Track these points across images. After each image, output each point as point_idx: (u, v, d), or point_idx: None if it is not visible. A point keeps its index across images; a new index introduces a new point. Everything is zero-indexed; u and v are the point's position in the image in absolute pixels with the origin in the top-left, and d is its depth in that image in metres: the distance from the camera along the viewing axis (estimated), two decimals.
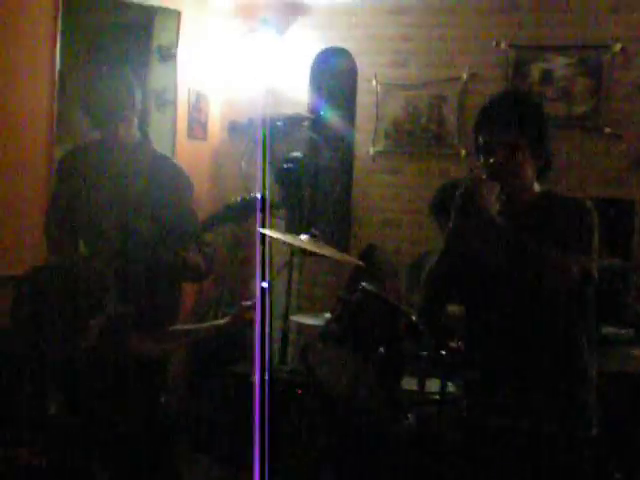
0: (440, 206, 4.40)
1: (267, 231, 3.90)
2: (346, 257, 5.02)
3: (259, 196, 3.75)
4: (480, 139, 2.93)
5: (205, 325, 3.79)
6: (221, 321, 3.71)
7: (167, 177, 3.79)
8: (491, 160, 2.86)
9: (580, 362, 2.90)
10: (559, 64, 5.78)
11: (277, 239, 4.03)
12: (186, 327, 3.81)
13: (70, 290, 3.02)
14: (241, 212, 3.73)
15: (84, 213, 3.71)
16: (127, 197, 3.67)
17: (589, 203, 2.90)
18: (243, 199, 3.76)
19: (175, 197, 3.76)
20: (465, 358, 3.17)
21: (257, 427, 3.51)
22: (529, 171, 2.90)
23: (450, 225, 2.88)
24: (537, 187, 2.96)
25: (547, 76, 5.79)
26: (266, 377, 3.70)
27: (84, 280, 3.10)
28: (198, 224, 3.82)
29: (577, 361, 2.89)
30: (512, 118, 2.87)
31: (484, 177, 2.82)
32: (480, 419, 2.97)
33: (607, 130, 5.66)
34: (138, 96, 3.81)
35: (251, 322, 3.57)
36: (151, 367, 3.59)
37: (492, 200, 2.79)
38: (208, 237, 3.91)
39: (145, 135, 4.01)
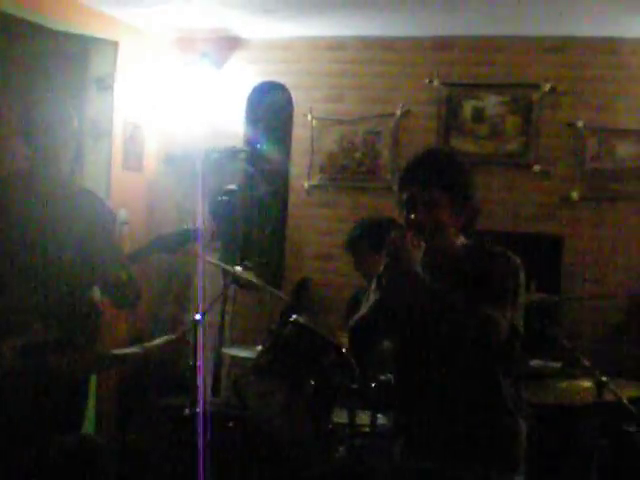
0: (350, 244, 4.46)
1: (210, 259, 3.92)
2: (275, 291, 5.05)
3: (191, 227, 3.77)
4: (403, 195, 2.96)
5: (132, 349, 3.76)
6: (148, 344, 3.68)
7: (90, 209, 3.77)
8: (412, 216, 2.89)
9: (505, 408, 2.92)
10: (491, 102, 5.90)
11: (211, 270, 4.06)
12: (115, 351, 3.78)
13: None
14: (171, 243, 3.74)
15: (4, 241, 3.66)
16: (50, 227, 3.64)
17: (515, 258, 2.92)
18: (176, 231, 3.77)
19: (98, 229, 3.74)
20: (393, 394, 3.18)
21: (201, 459, 3.51)
22: (451, 227, 2.93)
23: (381, 280, 2.90)
24: (462, 240, 2.98)
25: (479, 114, 5.90)
26: (199, 410, 3.71)
27: None
28: (122, 254, 3.80)
29: (502, 408, 2.92)
30: (433, 176, 2.90)
31: (409, 234, 2.84)
32: (407, 461, 2.98)
33: (536, 167, 5.79)
34: (74, 125, 3.80)
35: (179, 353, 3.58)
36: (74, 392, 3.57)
37: (417, 256, 2.82)
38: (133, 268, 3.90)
39: (74, 167, 3.99)
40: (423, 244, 2.83)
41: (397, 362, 3.08)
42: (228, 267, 4.27)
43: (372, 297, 3.00)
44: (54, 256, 3.58)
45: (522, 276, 2.91)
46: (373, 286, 3.02)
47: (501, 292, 2.83)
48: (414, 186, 2.92)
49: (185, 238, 3.74)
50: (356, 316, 3.02)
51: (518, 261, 2.91)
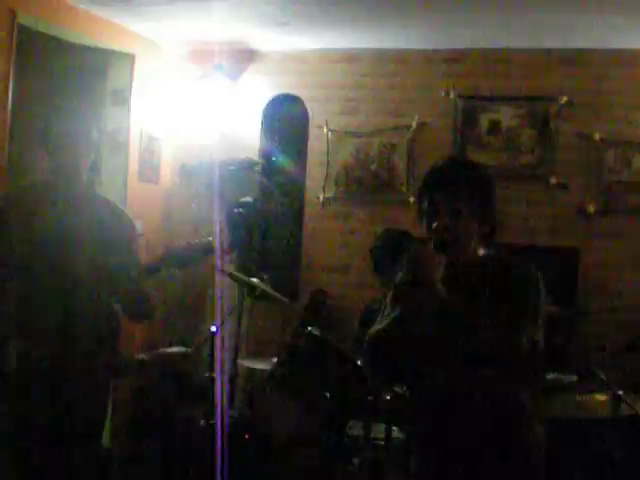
0: (373, 254, 4.47)
1: (229, 271, 3.92)
2: (289, 303, 5.04)
3: (204, 241, 3.77)
4: (424, 204, 2.92)
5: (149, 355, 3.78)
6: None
7: (109, 220, 3.79)
8: (434, 225, 2.85)
9: (523, 423, 2.90)
10: (507, 114, 5.89)
11: (227, 282, 4.07)
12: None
13: None
14: (184, 258, 3.74)
15: (23, 252, 3.68)
16: (70, 237, 3.66)
17: (537, 272, 2.88)
18: (188, 243, 3.78)
19: (117, 239, 3.76)
20: (409, 409, 3.16)
21: (218, 470, 3.52)
22: (473, 237, 2.89)
23: (399, 293, 2.88)
24: (482, 251, 2.94)
25: (495, 126, 5.90)
26: (215, 421, 3.72)
27: None
28: (140, 267, 3.81)
29: (520, 423, 2.90)
30: (456, 184, 2.87)
31: (430, 248, 2.80)
32: (423, 476, 2.97)
33: (552, 180, 5.78)
34: (94, 136, 3.82)
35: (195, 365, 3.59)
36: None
37: (438, 272, 2.77)
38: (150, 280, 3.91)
39: (93, 178, 4.01)
40: (444, 259, 2.80)
41: (414, 377, 3.05)
42: (246, 278, 4.28)
43: (389, 309, 2.99)
44: (74, 265, 3.60)
45: (543, 290, 2.86)
46: (389, 298, 3.01)
47: (523, 308, 2.79)
48: (436, 195, 2.88)
49: (200, 251, 3.74)
50: (374, 328, 2.99)
51: (539, 275, 2.87)
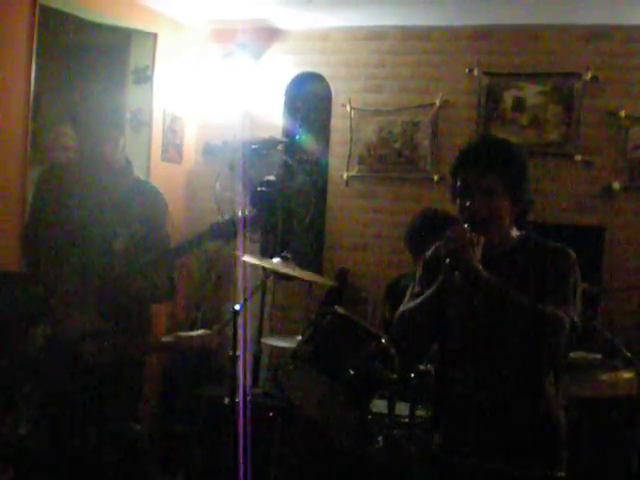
0: (414, 239, 4.46)
1: (243, 256, 3.93)
2: (320, 278, 5.05)
3: (242, 216, 3.78)
4: (458, 182, 2.91)
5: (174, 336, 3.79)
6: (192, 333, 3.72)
7: (146, 200, 3.82)
8: (467, 203, 2.85)
9: (549, 403, 2.90)
10: (531, 92, 5.84)
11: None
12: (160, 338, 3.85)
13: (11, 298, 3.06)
14: (229, 232, 3.76)
15: (62, 228, 3.70)
16: (107, 217, 3.68)
17: (572, 252, 2.87)
18: (230, 219, 3.80)
19: (152, 220, 3.78)
20: (435, 386, 3.15)
21: (242, 448, 3.53)
22: (506, 216, 2.87)
23: (439, 279, 2.86)
24: (515, 232, 2.94)
25: (519, 103, 5.85)
26: (239, 400, 3.73)
27: (26, 290, 3.12)
28: (170, 247, 3.84)
29: (544, 404, 2.89)
30: (489, 163, 2.86)
31: (469, 230, 2.78)
32: (447, 455, 2.96)
33: (578, 157, 5.73)
34: (123, 117, 3.85)
35: (218, 346, 3.60)
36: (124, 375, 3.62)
37: (478, 255, 2.77)
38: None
39: (128, 158, 4.04)
40: (482, 239, 2.79)
41: (443, 356, 3.04)
42: (263, 262, 4.27)
43: (417, 287, 2.99)
44: (107, 245, 3.62)
45: (578, 269, 2.86)
46: (418, 275, 3.01)
47: (564, 289, 2.79)
48: (469, 173, 2.87)
49: (231, 229, 3.77)
50: (405, 305, 2.99)
51: (575, 256, 2.86)
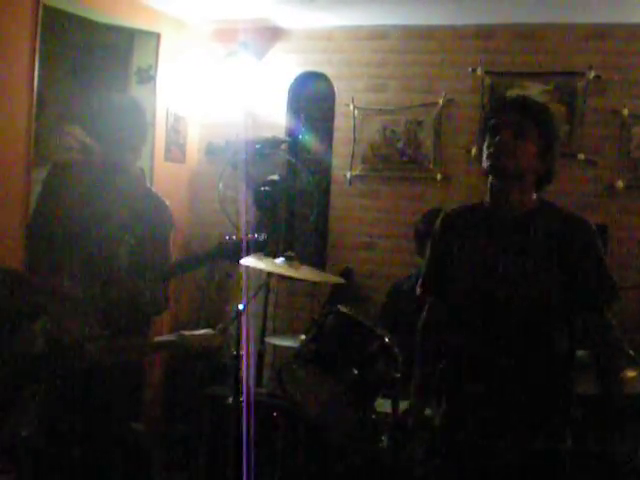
0: (418, 231, 4.48)
1: (244, 260, 3.94)
2: (325, 276, 5.04)
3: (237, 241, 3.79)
4: (491, 122, 2.94)
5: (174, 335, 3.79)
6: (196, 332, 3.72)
7: (155, 213, 3.82)
8: (497, 138, 2.87)
9: (567, 376, 2.98)
10: (534, 90, 5.83)
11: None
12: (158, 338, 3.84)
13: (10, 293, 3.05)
14: (233, 253, 3.78)
15: (69, 228, 3.70)
16: (116, 222, 3.68)
17: (589, 221, 2.98)
18: (226, 242, 3.82)
19: (157, 233, 3.78)
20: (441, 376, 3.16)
21: (245, 448, 3.53)
22: (530, 172, 2.92)
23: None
24: (535, 197, 2.99)
25: None
26: (242, 399, 3.73)
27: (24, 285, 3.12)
28: (172, 262, 3.85)
29: (564, 375, 2.94)
30: (524, 112, 2.90)
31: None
32: (450, 431, 2.98)
33: (581, 156, 5.72)
34: (143, 117, 3.85)
35: (222, 345, 3.60)
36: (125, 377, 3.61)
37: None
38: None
39: (142, 168, 4.06)
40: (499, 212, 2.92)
41: (453, 323, 3.06)
42: (266, 264, 4.26)
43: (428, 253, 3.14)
44: (113, 249, 3.62)
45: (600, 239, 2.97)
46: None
47: (601, 269, 2.95)
48: (503, 116, 2.92)
49: (236, 250, 3.79)
50: (424, 318, 3.16)
51: (592, 224, 2.97)
